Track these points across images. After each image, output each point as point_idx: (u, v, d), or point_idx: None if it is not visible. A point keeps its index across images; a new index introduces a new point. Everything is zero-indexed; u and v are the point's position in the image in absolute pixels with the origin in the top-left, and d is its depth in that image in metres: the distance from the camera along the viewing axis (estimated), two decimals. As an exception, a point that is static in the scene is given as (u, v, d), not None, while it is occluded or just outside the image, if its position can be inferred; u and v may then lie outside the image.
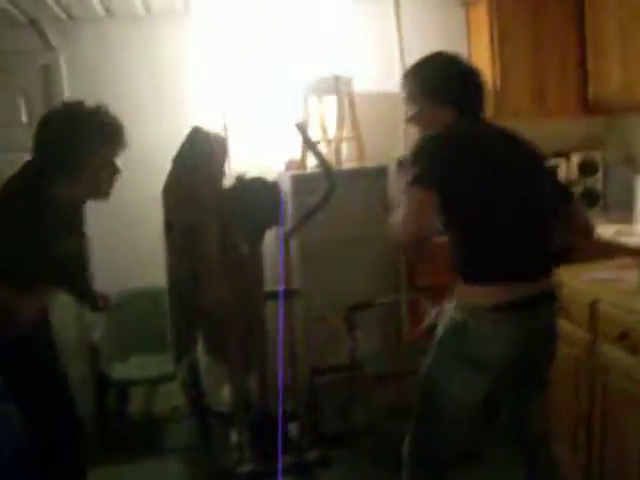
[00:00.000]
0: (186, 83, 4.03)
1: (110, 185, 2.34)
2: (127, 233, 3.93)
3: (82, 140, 2.15)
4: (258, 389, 2.86)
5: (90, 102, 2.27)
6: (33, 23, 3.87)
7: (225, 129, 3.91)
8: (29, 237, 2.11)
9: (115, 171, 2.32)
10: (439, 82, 2.12)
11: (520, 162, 2.06)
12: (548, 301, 2.09)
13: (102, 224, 3.99)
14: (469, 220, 2.01)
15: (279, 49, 3.98)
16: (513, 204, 1.99)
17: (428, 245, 1.96)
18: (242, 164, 3.41)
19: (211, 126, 2.91)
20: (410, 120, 2.21)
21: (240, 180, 2.61)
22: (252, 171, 2.74)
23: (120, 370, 3.59)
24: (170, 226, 2.71)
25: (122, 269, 3.89)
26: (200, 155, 2.52)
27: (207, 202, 2.51)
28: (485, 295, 2.00)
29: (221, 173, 2.56)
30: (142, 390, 3.83)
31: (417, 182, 1.90)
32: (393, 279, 3.83)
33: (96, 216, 3.97)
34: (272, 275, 3.04)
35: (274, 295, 2.74)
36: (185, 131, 2.62)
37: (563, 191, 2.25)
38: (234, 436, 3.00)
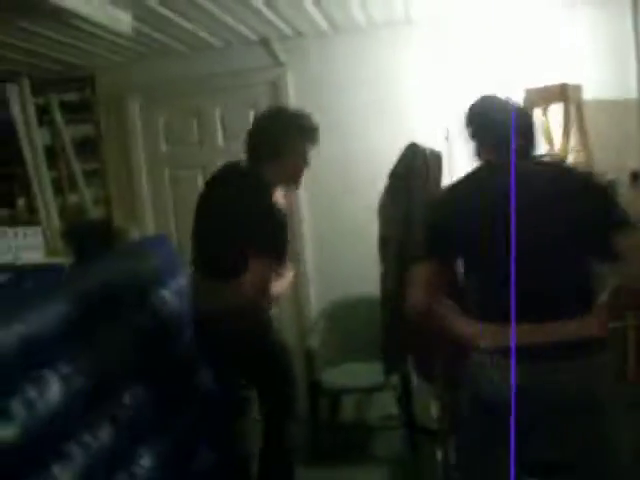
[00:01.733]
0: (408, 95, 4.03)
1: (300, 174, 2.65)
2: (347, 241, 4.03)
3: (282, 129, 2.55)
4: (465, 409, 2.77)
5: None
6: (262, 41, 4.10)
7: (448, 142, 3.85)
8: (271, 211, 2.40)
9: (305, 162, 2.62)
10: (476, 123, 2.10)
11: (536, 209, 1.87)
12: (570, 354, 1.81)
13: (323, 231, 4.17)
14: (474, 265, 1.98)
15: (502, 58, 3.84)
16: (515, 250, 1.83)
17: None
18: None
19: (431, 139, 2.88)
20: None
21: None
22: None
23: (332, 377, 3.68)
24: (384, 241, 2.72)
25: (342, 276, 4.00)
26: (416, 172, 2.50)
27: (420, 221, 2.47)
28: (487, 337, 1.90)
29: (437, 190, 2.52)
30: (355, 397, 3.90)
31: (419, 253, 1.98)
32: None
33: (318, 223, 4.19)
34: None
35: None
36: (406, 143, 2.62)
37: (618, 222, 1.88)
38: (439, 454, 2.94)
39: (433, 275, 1.96)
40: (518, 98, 3.50)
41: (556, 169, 2.10)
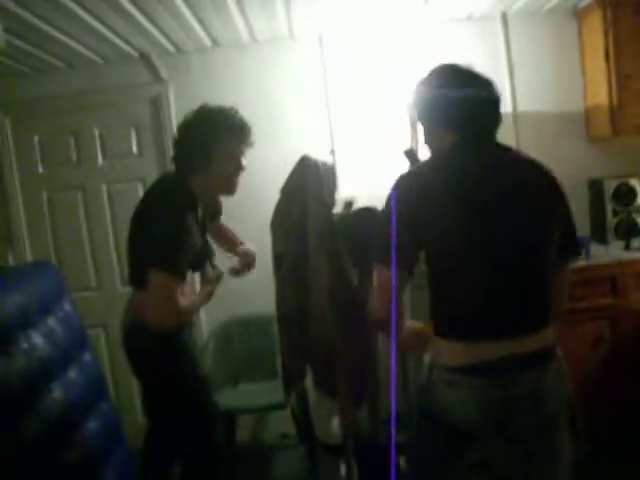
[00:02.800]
0: (294, 110, 4.04)
1: (235, 180, 2.49)
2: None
3: (209, 132, 2.37)
4: (369, 421, 2.78)
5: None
6: (143, 57, 3.99)
7: (333, 156, 3.88)
8: (184, 226, 2.29)
9: (239, 167, 2.47)
10: (432, 100, 1.83)
11: (513, 204, 1.73)
12: (538, 363, 1.75)
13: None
14: (437, 269, 1.79)
15: (386, 70, 3.92)
16: (489, 253, 1.71)
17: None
18: (352, 191, 3.37)
19: (319, 154, 2.89)
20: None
21: (348, 207, 2.55)
22: (362, 198, 2.69)
23: (228, 398, 3.60)
24: (279, 257, 2.68)
25: (231, 296, 3.92)
26: (309, 184, 2.48)
27: (317, 232, 2.46)
28: (449, 353, 1.77)
29: (332, 201, 2.52)
30: (250, 417, 3.83)
31: (379, 259, 1.79)
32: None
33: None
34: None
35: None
36: (294, 159, 2.60)
37: (569, 243, 1.87)
38: (342, 469, 2.93)
39: (394, 280, 1.76)
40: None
41: (527, 159, 1.86)
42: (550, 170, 1.86)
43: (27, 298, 2.29)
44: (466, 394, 1.74)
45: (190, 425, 2.53)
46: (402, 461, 2.87)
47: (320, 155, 3.14)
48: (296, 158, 2.56)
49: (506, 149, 1.85)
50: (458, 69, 1.85)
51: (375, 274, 1.81)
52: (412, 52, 3.93)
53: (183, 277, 2.39)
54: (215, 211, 2.89)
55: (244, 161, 2.48)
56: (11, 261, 4.13)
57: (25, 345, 2.17)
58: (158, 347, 2.40)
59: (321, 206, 2.45)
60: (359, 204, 2.61)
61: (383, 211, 1.81)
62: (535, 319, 1.77)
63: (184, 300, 2.39)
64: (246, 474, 3.56)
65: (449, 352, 1.77)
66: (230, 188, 2.53)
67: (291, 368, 2.66)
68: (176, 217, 2.30)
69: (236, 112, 2.46)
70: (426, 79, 1.88)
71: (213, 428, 2.62)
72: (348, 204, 2.60)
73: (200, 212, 2.58)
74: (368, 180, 3.83)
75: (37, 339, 2.26)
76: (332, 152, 3.92)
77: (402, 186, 1.79)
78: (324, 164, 2.52)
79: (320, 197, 2.45)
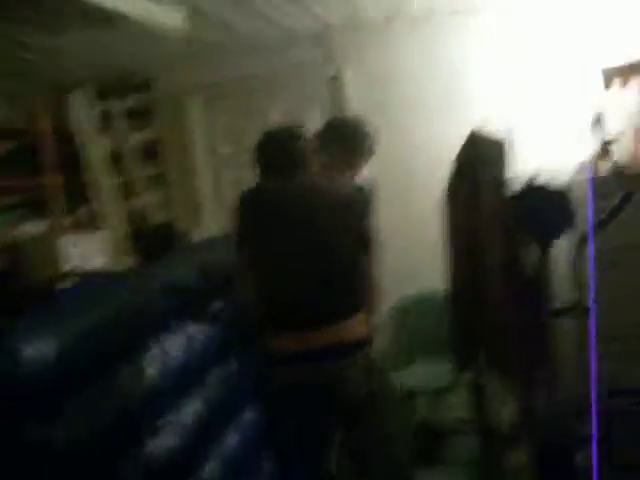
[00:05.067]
0: (471, 84, 3.88)
1: None
2: (417, 235, 3.89)
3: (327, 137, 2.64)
4: (545, 411, 2.62)
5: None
6: (318, 37, 4.03)
7: (512, 130, 3.71)
8: None
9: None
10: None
11: (307, 213, 2.21)
12: (335, 354, 2.13)
13: (393, 225, 4.02)
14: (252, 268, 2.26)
15: (571, 36, 3.66)
16: (286, 255, 2.18)
17: None
18: (531, 167, 3.20)
19: (498, 128, 2.77)
20: None
21: (528, 186, 2.40)
22: (542, 175, 2.52)
23: (403, 378, 3.55)
24: (451, 231, 2.60)
25: (412, 272, 3.86)
26: (480, 159, 2.37)
27: (488, 208, 2.35)
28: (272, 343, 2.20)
29: (502, 177, 2.38)
30: (425, 398, 3.77)
31: None
32: None
33: (387, 218, 4.05)
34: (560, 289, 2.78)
35: (563, 311, 2.49)
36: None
37: (362, 242, 2.26)
38: (513, 459, 2.81)
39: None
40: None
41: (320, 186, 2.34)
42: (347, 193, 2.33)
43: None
44: (277, 378, 2.24)
45: None
46: (579, 458, 2.70)
47: (498, 130, 3.01)
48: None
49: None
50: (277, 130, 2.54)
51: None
52: (592, 22, 3.64)
53: None
54: None
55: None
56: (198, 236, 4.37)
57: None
58: None
59: (492, 182, 2.33)
60: (538, 180, 2.45)
61: None
62: (330, 314, 2.15)
63: None
64: (417, 455, 3.50)
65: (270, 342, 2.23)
66: None
67: (460, 351, 2.58)
68: None
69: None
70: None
71: None
72: (528, 180, 2.44)
73: None
74: (547, 155, 3.59)
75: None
76: (511, 127, 3.74)
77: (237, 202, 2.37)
78: (496, 138, 2.39)
79: (491, 172, 2.33)
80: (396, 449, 2.37)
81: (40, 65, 3.67)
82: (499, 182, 2.39)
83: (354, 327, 2.17)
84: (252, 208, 2.30)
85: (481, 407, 3.31)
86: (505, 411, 2.98)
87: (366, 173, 2.75)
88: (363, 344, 2.20)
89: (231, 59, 4.21)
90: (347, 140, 2.63)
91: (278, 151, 2.38)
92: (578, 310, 2.50)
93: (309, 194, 2.29)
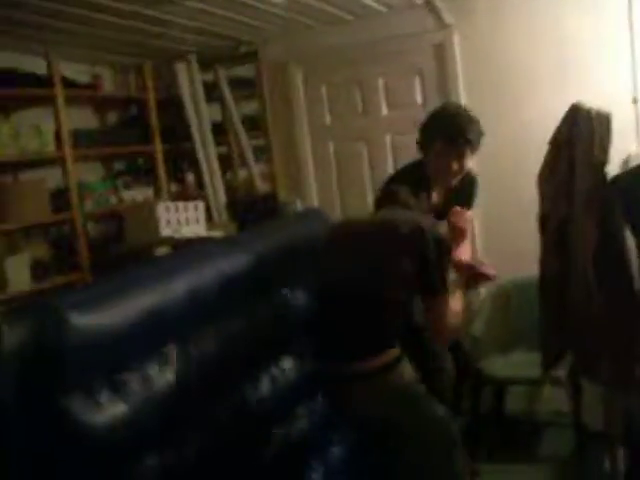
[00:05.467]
0: (590, 56, 3.57)
1: (445, 177, 2.64)
2: (521, 217, 3.66)
3: (427, 129, 2.64)
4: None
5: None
6: (427, 3, 3.85)
7: (636, 105, 3.39)
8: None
9: (449, 167, 2.57)
10: None
11: (360, 254, 2.15)
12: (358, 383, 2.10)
13: (504, 205, 3.82)
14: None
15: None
16: (336, 292, 2.16)
17: None
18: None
19: (619, 103, 2.53)
20: None
21: (625, 164, 2.17)
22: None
23: (498, 366, 3.38)
24: (544, 218, 2.41)
25: (514, 256, 3.65)
26: (579, 137, 2.16)
27: (584, 192, 2.14)
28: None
29: (604, 157, 2.15)
30: (523, 388, 3.58)
31: None
32: None
33: (491, 199, 3.85)
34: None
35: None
36: (588, 104, 2.27)
37: (427, 285, 2.12)
38: (608, 460, 2.60)
39: None
40: None
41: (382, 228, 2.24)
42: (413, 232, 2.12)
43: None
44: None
45: None
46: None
47: (620, 105, 2.74)
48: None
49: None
50: None
51: None
52: None
53: None
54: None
55: (455, 164, 2.56)
56: (299, 207, 4.35)
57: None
58: None
59: (591, 163, 2.11)
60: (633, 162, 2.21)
61: None
62: (368, 349, 2.12)
63: None
64: (508, 446, 3.34)
65: None
66: (442, 182, 2.68)
67: (549, 343, 2.39)
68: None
69: (462, 116, 2.59)
70: None
71: None
72: (625, 161, 2.21)
73: (436, 196, 2.71)
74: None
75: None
76: (634, 101, 3.43)
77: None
78: (598, 114, 2.16)
79: (590, 152, 2.11)
80: None
81: (149, 35, 3.74)
82: (599, 162, 2.17)
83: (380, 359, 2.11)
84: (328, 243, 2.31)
85: (577, 404, 3.11)
86: (603, 410, 2.77)
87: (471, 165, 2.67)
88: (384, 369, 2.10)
89: (336, 27, 4.11)
90: (450, 133, 2.54)
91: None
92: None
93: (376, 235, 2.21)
